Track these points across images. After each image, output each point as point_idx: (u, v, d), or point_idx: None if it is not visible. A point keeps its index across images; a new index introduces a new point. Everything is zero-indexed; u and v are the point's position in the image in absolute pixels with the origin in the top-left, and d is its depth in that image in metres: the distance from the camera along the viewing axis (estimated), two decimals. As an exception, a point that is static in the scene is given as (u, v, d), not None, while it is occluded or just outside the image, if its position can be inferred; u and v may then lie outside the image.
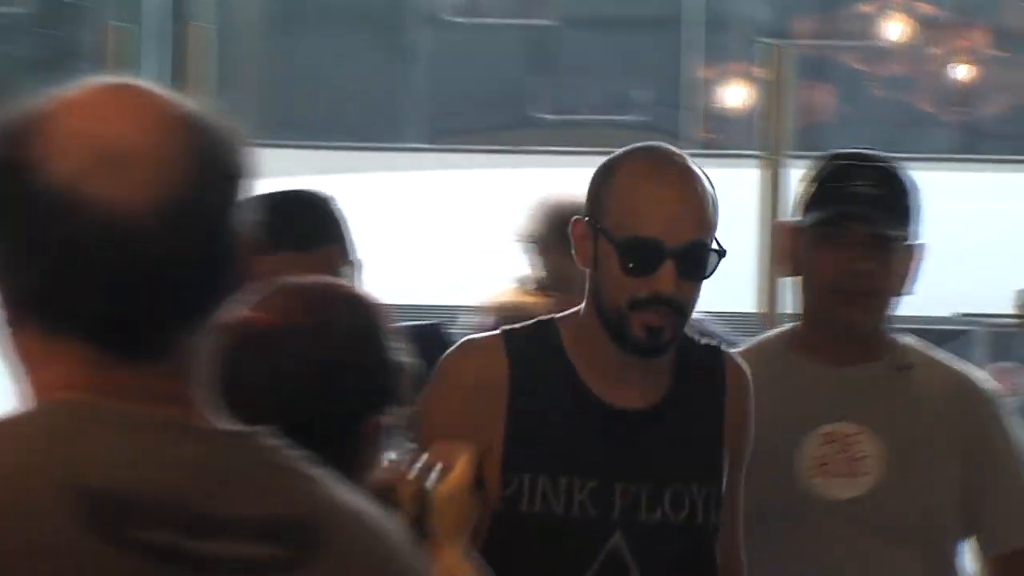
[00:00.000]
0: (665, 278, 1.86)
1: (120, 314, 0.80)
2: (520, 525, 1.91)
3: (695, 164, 1.99)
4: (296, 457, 0.86)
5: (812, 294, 2.27)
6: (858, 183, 2.23)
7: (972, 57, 13.74)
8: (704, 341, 2.07)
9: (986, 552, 2.28)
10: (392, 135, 14.97)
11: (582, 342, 1.96)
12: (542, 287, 3.02)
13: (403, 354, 1.47)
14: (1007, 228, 12.53)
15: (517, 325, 2.06)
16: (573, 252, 1.96)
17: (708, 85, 14.34)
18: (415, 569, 0.91)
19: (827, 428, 2.22)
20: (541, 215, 3.19)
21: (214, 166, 0.82)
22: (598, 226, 1.91)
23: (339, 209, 2.28)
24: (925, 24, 13.56)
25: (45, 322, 0.81)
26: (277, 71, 15.69)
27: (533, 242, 3.20)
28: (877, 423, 2.22)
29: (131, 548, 0.77)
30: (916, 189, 2.29)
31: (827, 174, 2.29)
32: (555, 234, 2.84)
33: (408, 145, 14.85)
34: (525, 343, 1.98)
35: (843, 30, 14.51)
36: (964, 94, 14.20)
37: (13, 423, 0.81)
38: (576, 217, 1.98)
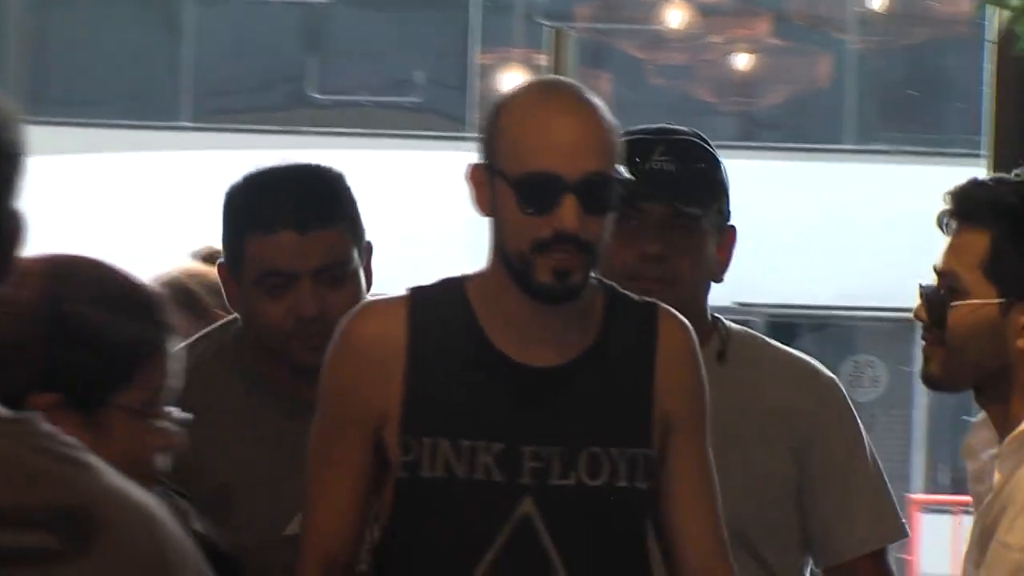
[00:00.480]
0: (567, 214, 1.70)
1: None
2: (423, 492, 1.78)
3: (591, 92, 1.85)
4: (71, 444, 0.87)
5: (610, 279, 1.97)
6: (652, 159, 2.08)
7: (753, 46, 13.77)
8: (641, 298, 1.88)
9: (818, 563, 2.14)
10: (161, 113, 14.44)
11: (489, 297, 1.82)
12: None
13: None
14: (784, 216, 12.68)
15: (425, 284, 1.89)
16: (473, 201, 1.80)
17: (488, 69, 14.03)
18: (188, 555, 0.92)
19: None
20: None
21: None
22: (493, 168, 1.77)
23: (348, 186, 2.14)
24: (706, 12, 13.54)
25: None
26: (41, 45, 15.08)
27: None
28: None
29: None
30: (720, 164, 2.14)
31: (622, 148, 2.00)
32: None
33: (176, 124, 14.35)
34: (429, 302, 1.84)
35: (624, 16, 14.41)
36: (744, 83, 14.26)
37: None
38: (471, 163, 1.81)
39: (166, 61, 14.60)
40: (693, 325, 1.89)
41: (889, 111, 14.71)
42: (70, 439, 0.87)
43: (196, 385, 1.65)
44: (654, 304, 1.86)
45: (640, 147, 2.08)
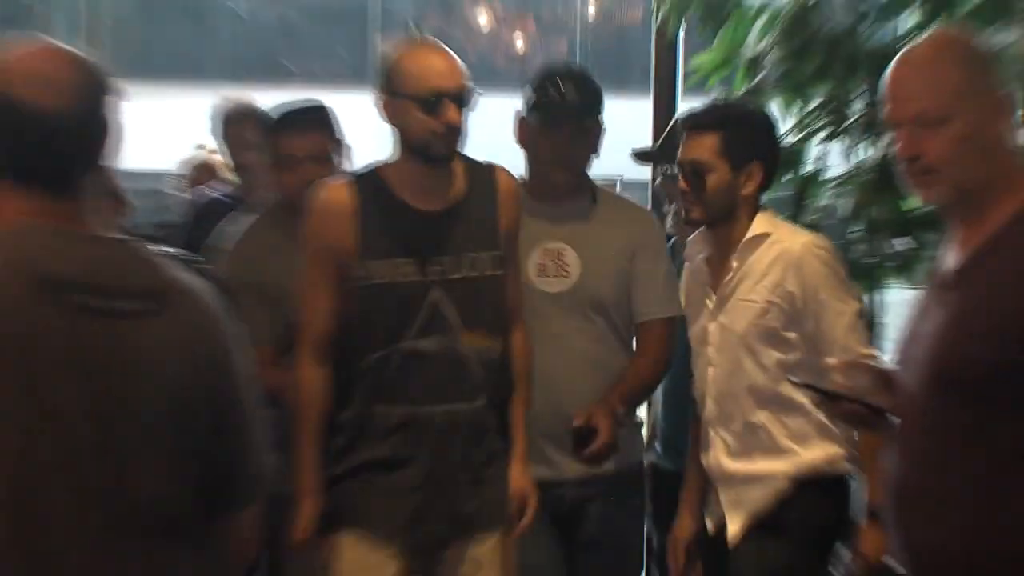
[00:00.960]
0: (453, 113, 2.65)
1: (46, 167, 1.62)
2: (370, 293, 2.71)
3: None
4: (154, 251, 1.72)
5: (536, 164, 3.20)
6: (564, 90, 3.13)
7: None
8: (484, 161, 2.88)
9: (634, 321, 3.22)
10: None
11: (399, 175, 2.77)
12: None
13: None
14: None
15: (356, 170, 2.90)
16: (386, 121, 2.75)
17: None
18: (231, 332, 1.76)
19: (545, 245, 3.14)
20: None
21: (93, 85, 1.64)
22: (398, 92, 2.68)
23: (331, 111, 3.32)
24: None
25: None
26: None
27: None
28: (575, 241, 3.15)
29: (69, 307, 1.56)
30: (601, 90, 3.23)
31: (540, 83, 3.17)
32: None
33: None
34: (361, 179, 2.79)
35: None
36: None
37: None
38: (378, 98, 2.73)
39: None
40: (578, 184, 3.21)
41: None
42: (154, 247, 1.75)
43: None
44: (492, 165, 2.87)
45: (556, 82, 3.17)
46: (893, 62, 2.07)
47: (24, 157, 1.61)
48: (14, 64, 1.60)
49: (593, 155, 3.21)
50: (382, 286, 2.70)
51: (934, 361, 1.97)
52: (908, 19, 3.75)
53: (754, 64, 3.91)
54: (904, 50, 2.09)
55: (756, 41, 3.92)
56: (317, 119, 3.27)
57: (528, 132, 3.18)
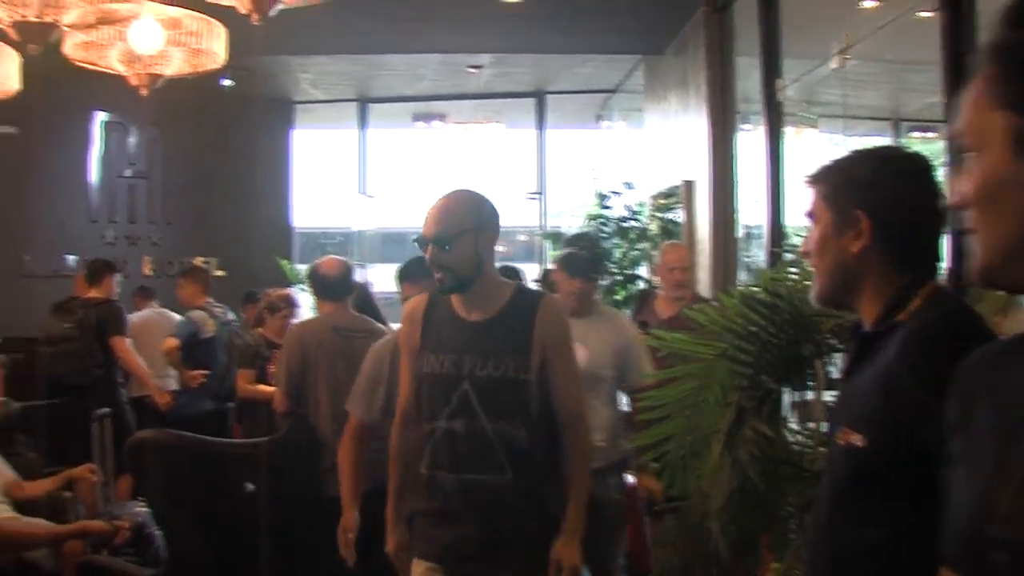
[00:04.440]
0: (429, 254, 3.38)
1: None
2: (423, 379, 3.46)
3: (465, 191, 3.50)
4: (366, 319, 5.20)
5: None
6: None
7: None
8: (538, 290, 4.27)
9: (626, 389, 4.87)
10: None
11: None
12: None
13: None
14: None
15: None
16: None
17: None
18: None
19: None
20: None
21: None
22: None
23: None
24: None
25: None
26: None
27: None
28: (585, 341, 4.39)
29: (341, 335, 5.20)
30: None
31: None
32: None
33: None
34: (434, 295, 3.54)
35: None
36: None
37: None
38: None
39: None
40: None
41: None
42: None
43: None
44: (541, 293, 3.75)
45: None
46: None
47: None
48: None
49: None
50: (429, 375, 3.45)
51: None
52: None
53: None
54: None
55: None
56: None
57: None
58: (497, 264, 3.71)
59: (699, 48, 9.27)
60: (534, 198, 13.70)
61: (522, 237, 15.67)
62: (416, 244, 3.47)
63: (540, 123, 13.72)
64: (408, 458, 3.63)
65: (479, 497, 3.40)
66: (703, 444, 3.32)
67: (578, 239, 5.24)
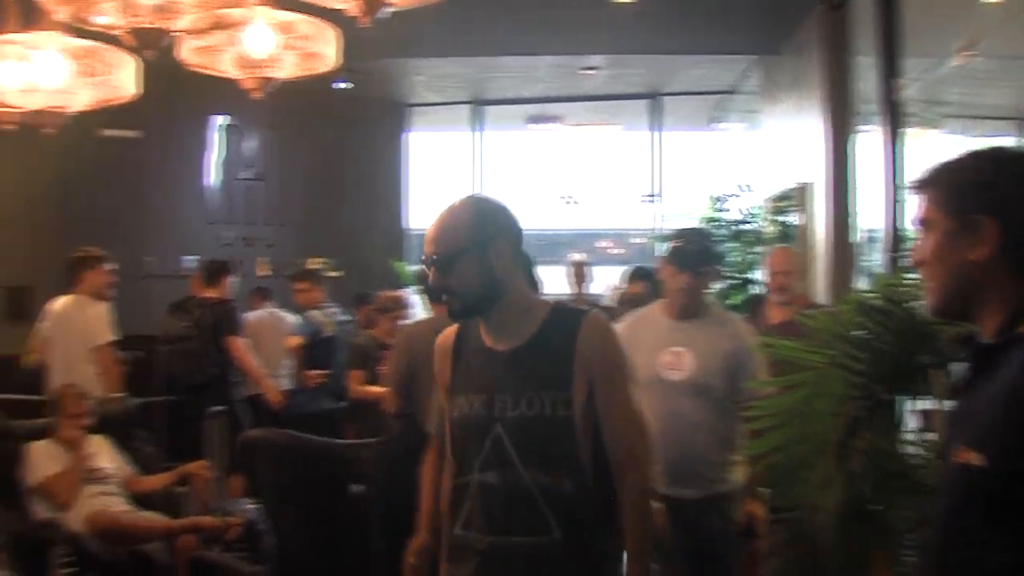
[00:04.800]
0: (431, 277, 2.94)
1: None
2: (453, 424, 3.01)
3: (469, 201, 3.01)
4: None
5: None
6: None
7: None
8: (580, 307, 3.26)
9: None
10: None
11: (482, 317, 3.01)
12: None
13: None
14: None
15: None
16: None
17: None
18: None
19: (673, 349, 4.34)
20: None
21: None
22: None
23: None
24: None
25: None
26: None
27: None
28: (693, 346, 4.34)
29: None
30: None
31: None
32: None
33: None
34: (464, 324, 3.06)
35: None
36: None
37: None
38: None
39: None
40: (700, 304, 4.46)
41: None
42: None
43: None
44: (581, 311, 3.04)
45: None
46: None
47: None
48: None
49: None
50: (460, 419, 2.97)
51: None
52: None
53: None
54: None
55: None
56: None
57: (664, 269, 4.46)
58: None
59: (815, 47, 9.11)
60: (649, 201, 13.61)
61: (637, 240, 15.55)
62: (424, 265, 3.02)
63: (655, 125, 13.62)
64: (441, 511, 3.11)
65: (518, 564, 2.86)
66: (814, 454, 3.21)
67: (685, 231, 4.67)
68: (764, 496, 4.15)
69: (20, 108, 5.13)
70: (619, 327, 4.37)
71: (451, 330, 3.10)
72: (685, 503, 4.22)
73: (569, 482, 2.83)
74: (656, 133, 13.65)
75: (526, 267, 3.37)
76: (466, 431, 2.95)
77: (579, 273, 8.49)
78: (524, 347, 2.92)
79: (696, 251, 4.41)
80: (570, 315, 2.98)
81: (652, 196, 13.62)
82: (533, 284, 3.75)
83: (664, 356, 4.36)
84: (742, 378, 4.25)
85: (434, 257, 2.90)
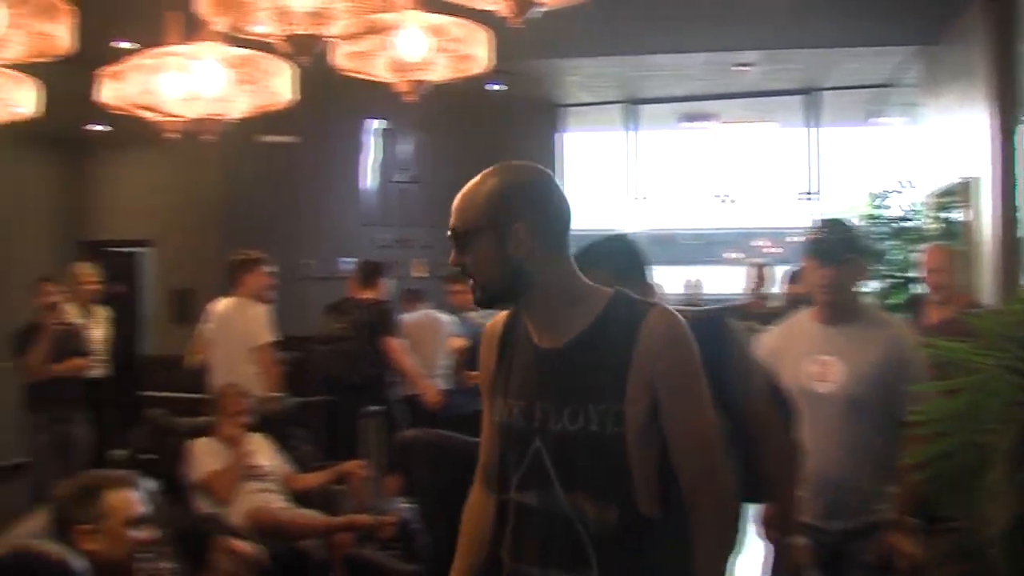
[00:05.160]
0: (451, 253, 2.49)
1: None
2: (495, 431, 2.57)
3: (497, 171, 2.52)
4: None
5: None
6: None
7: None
8: (646, 299, 2.50)
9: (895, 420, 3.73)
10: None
11: (526, 304, 2.52)
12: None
13: None
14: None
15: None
16: None
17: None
18: None
19: (820, 357, 3.93)
20: None
21: None
22: None
23: None
24: None
25: None
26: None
27: None
28: (842, 354, 3.89)
29: None
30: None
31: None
32: None
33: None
34: (515, 311, 2.57)
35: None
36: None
37: None
38: None
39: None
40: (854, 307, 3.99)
41: None
42: None
43: None
44: (645, 307, 2.42)
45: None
46: None
47: None
48: None
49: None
50: (500, 425, 2.54)
51: None
52: None
53: None
54: None
55: None
56: None
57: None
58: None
59: (979, 36, 8.78)
60: (806, 198, 13.35)
61: (794, 239, 15.29)
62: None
63: (811, 121, 13.35)
64: (482, 537, 2.69)
65: None
66: (982, 463, 3.06)
67: (825, 222, 4.11)
68: (912, 526, 3.69)
69: (182, 117, 5.28)
70: (766, 335, 4.21)
71: (501, 317, 2.65)
72: (830, 536, 3.83)
73: (616, 512, 2.36)
74: (813, 129, 13.38)
75: (627, 262, 3.15)
76: (506, 441, 2.52)
77: (759, 275, 8.39)
78: (571, 346, 2.42)
79: (838, 240, 3.91)
80: (631, 309, 2.43)
81: (809, 194, 13.35)
82: (639, 285, 3.11)
83: (810, 366, 3.90)
84: (902, 389, 3.68)
85: (452, 232, 2.47)
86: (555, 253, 2.45)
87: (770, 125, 14.72)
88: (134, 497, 3.54)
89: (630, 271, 3.14)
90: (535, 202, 2.43)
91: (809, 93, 13.13)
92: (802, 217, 13.30)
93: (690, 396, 2.39)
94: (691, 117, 14.07)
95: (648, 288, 3.18)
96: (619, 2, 8.78)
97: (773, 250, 15.58)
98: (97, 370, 8.50)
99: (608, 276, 2.88)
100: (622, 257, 3.19)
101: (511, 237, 2.39)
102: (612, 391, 2.35)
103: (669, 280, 14.06)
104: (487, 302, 2.48)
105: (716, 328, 3.13)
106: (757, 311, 7.76)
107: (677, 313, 2.42)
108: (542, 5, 3.98)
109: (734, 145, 15.29)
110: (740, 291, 8.62)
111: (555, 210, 2.46)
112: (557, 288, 2.44)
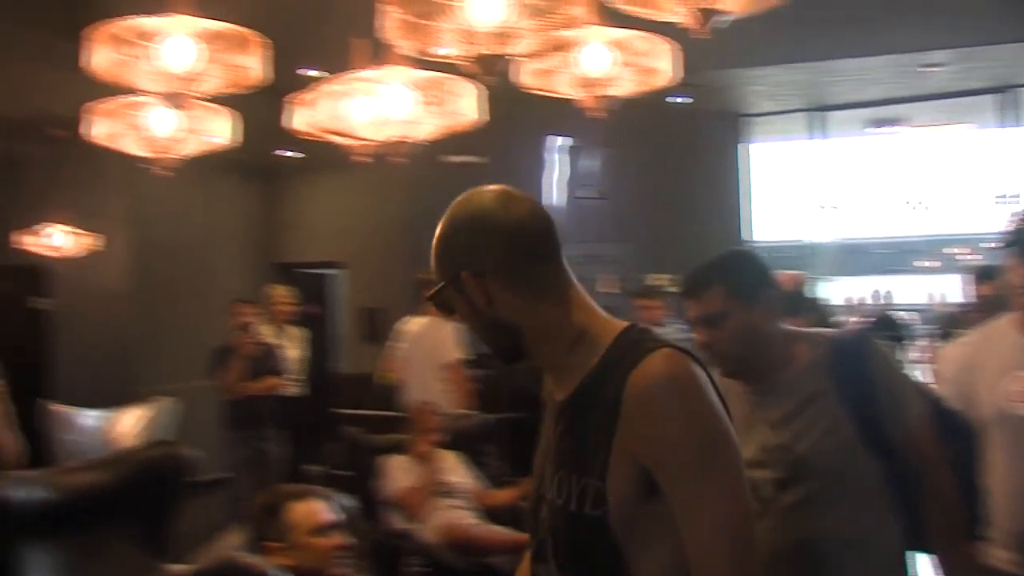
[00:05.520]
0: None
1: None
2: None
3: (451, 210, 2.15)
4: None
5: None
6: None
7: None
8: (648, 339, 1.90)
9: None
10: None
11: None
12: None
13: None
14: None
15: None
16: None
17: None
18: None
19: (1021, 374, 3.16)
20: None
21: None
22: None
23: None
24: None
25: None
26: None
27: None
28: None
29: None
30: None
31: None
32: None
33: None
34: None
35: None
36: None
37: None
38: None
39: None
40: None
41: None
42: None
43: None
44: (648, 348, 1.86)
45: None
46: None
47: None
48: None
49: None
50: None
51: None
52: None
53: None
54: None
55: None
56: None
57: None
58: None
59: None
60: (1003, 202, 12.84)
61: (991, 245, 14.72)
62: None
63: (1008, 120, 12.84)
64: None
65: None
66: None
67: None
68: None
69: (371, 141, 5.39)
70: (952, 347, 3.64)
71: None
72: None
73: None
74: (1009, 129, 12.86)
75: (746, 279, 2.82)
76: (529, 504, 2.12)
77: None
78: (569, 400, 1.97)
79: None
80: (629, 352, 1.88)
81: (1007, 197, 12.84)
82: (760, 304, 2.82)
83: (1011, 384, 3.18)
84: None
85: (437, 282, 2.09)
86: (528, 289, 1.99)
87: (964, 127, 14.22)
88: (318, 506, 3.61)
89: (752, 289, 2.83)
90: (473, 242, 2.03)
91: (1004, 91, 12.64)
92: (999, 222, 12.80)
93: (691, 476, 1.79)
94: (878, 122, 13.71)
95: (770, 311, 2.83)
96: (801, 6, 8.62)
97: (970, 257, 15.04)
98: (292, 388, 8.76)
99: (724, 299, 2.76)
100: (737, 275, 2.85)
101: (465, 288, 1.99)
102: (594, 462, 1.86)
103: (859, 290, 13.67)
104: (503, 360, 2.08)
105: (859, 348, 2.81)
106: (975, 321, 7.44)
107: (687, 358, 1.85)
108: (728, 13, 3.93)
109: (924, 149, 14.83)
110: (932, 301, 8.28)
111: (506, 241, 2.03)
112: (543, 332, 1.98)
